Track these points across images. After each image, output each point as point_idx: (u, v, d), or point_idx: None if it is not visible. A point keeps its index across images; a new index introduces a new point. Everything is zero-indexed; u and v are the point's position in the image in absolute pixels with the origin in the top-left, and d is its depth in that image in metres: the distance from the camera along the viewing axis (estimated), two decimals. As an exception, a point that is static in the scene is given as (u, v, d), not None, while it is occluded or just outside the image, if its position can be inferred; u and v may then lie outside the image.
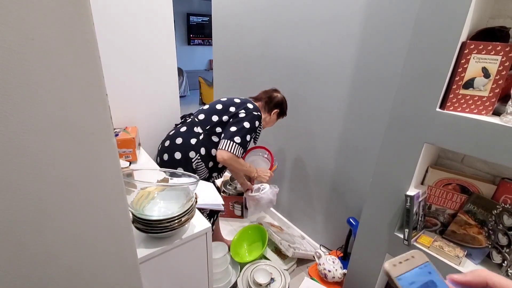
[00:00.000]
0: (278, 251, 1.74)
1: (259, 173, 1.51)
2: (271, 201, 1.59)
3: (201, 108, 1.45)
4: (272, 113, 1.50)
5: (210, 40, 6.15)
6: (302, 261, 1.76)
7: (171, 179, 0.92)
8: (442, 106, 0.89)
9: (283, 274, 1.54)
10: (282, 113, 1.55)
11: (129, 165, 1.18)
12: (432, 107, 0.90)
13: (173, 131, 1.39)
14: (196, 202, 0.83)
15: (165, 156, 1.32)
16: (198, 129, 1.33)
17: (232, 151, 1.25)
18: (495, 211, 0.93)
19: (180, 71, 5.52)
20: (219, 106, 1.38)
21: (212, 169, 1.39)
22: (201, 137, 1.32)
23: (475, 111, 0.85)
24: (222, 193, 2.17)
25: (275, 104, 1.50)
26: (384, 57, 1.25)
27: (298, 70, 1.67)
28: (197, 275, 0.92)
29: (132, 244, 0.49)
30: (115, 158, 0.40)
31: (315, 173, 1.75)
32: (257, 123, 1.34)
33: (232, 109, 1.36)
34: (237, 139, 1.26)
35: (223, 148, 1.25)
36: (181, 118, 1.47)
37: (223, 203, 1.00)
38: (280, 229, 1.84)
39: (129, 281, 0.51)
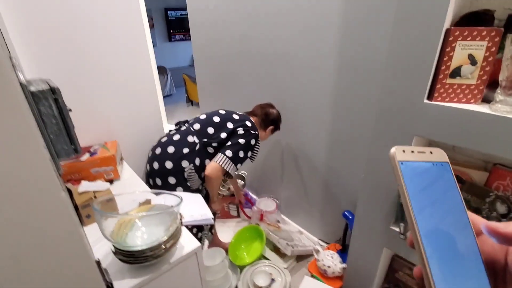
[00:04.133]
0: (277, 250, 1.72)
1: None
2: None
3: (197, 117, 1.43)
4: (268, 130, 1.51)
5: (191, 34, 5.96)
6: (302, 257, 1.75)
7: (156, 196, 0.88)
8: (430, 97, 0.85)
9: (283, 273, 1.53)
10: (276, 128, 1.56)
11: (111, 184, 1.13)
12: (420, 98, 0.86)
13: (166, 138, 1.35)
14: (182, 223, 0.79)
15: (155, 165, 1.28)
16: (193, 139, 1.30)
17: (221, 164, 1.25)
18: (488, 199, 0.91)
19: (163, 70, 5.37)
20: (216, 119, 1.36)
21: (204, 179, 1.37)
22: (196, 147, 1.29)
23: (463, 100, 0.81)
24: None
25: (271, 121, 1.51)
26: (368, 46, 1.20)
27: (280, 63, 1.61)
28: (191, 295, 0.89)
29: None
30: (66, 215, 0.36)
31: (308, 167, 1.72)
32: (253, 141, 1.34)
33: (230, 125, 1.33)
34: (229, 153, 1.26)
35: (214, 160, 1.27)
36: (176, 124, 1.43)
37: (213, 216, 0.96)
38: (277, 227, 1.83)
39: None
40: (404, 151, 0.27)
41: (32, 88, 0.67)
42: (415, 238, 0.25)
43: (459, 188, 0.27)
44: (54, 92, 0.69)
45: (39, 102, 0.67)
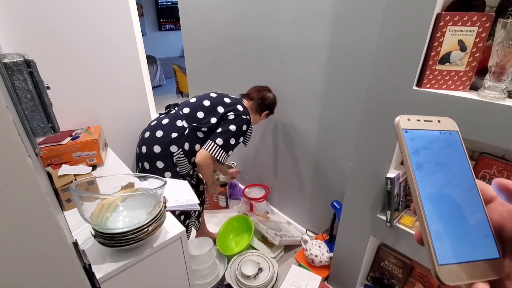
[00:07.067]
0: (265, 240, 1.72)
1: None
2: None
3: (187, 100, 1.38)
4: (262, 114, 1.48)
5: (182, 25, 5.82)
6: (289, 247, 1.75)
7: (141, 180, 0.85)
8: (419, 83, 0.85)
9: (271, 263, 1.52)
10: (271, 113, 1.53)
11: (92, 169, 1.09)
12: (409, 85, 0.86)
13: (155, 122, 1.31)
14: (165, 207, 0.76)
15: (144, 149, 1.25)
16: (182, 123, 1.26)
17: (211, 152, 1.22)
18: (474, 187, 0.92)
19: (153, 59, 5.24)
20: (206, 103, 1.31)
21: (195, 164, 1.34)
22: (186, 132, 1.26)
23: (452, 87, 0.81)
24: (204, 185, 2.11)
25: (267, 105, 1.47)
26: (359, 34, 1.19)
27: (271, 51, 1.58)
28: (176, 280, 0.87)
29: (79, 274, 0.42)
30: (32, 183, 0.33)
31: (298, 158, 1.71)
32: (244, 126, 1.30)
33: (221, 109, 1.29)
34: (219, 141, 1.23)
35: (205, 148, 1.23)
36: (166, 108, 1.39)
37: (199, 202, 0.94)
38: (266, 217, 1.82)
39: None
40: (409, 119, 0.26)
41: (6, 60, 0.63)
42: (416, 204, 0.24)
43: (468, 157, 0.26)
44: (29, 65, 0.65)
45: (13, 75, 0.63)
